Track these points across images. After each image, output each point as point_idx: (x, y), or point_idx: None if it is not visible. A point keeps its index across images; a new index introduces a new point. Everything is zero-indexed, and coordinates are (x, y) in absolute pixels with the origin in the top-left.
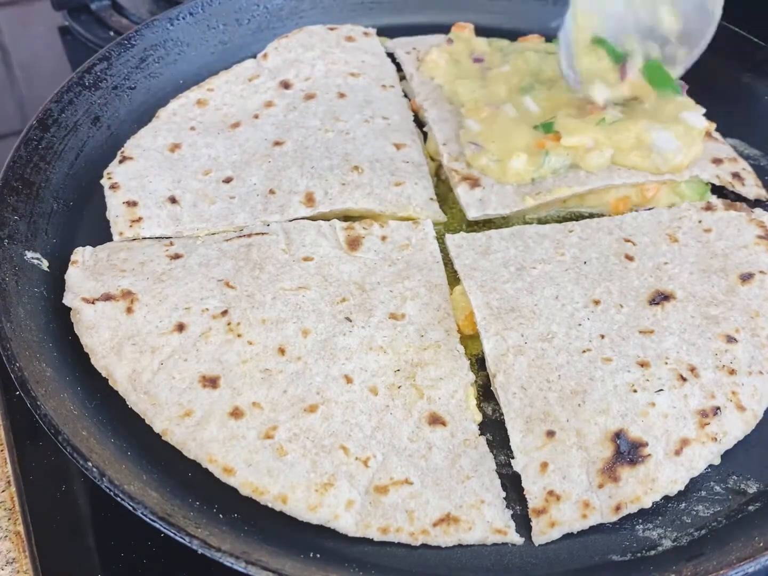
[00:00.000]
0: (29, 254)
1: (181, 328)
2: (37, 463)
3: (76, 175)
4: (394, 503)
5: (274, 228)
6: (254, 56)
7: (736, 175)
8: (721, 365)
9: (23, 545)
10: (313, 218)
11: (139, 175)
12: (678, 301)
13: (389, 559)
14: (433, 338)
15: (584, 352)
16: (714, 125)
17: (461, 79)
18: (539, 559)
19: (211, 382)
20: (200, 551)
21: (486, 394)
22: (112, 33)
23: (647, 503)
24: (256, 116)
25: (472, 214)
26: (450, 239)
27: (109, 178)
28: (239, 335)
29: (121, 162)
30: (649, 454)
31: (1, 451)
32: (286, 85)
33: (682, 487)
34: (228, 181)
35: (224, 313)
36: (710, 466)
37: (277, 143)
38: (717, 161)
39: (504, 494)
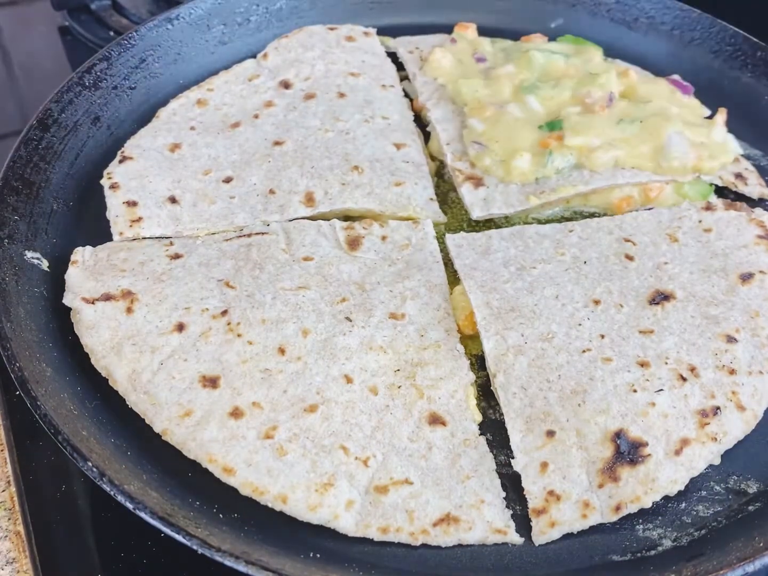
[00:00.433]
0: (29, 254)
1: (181, 328)
2: (37, 463)
3: (76, 175)
4: (394, 503)
5: (274, 228)
6: (254, 56)
7: (738, 176)
8: (721, 365)
9: (23, 545)
10: (313, 218)
11: (139, 175)
12: (678, 300)
13: (389, 559)
14: (433, 338)
15: (584, 352)
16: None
17: (464, 78)
18: (539, 559)
19: (211, 382)
20: (200, 551)
21: (486, 394)
22: (112, 33)
23: (647, 503)
24: (256, 116)
25: (477, 213)
26: (450, 239)
27: (109, 178)
28: (239, 335)
29: (121, 162)
30: (649, 454)
31: (1, 451)
32: (286, 84)
33: (682, 487)
34: (228, 180)
35: (224, 313)
36: (710, 466)
37: (277, 143)
38: None
39: (504, 494)
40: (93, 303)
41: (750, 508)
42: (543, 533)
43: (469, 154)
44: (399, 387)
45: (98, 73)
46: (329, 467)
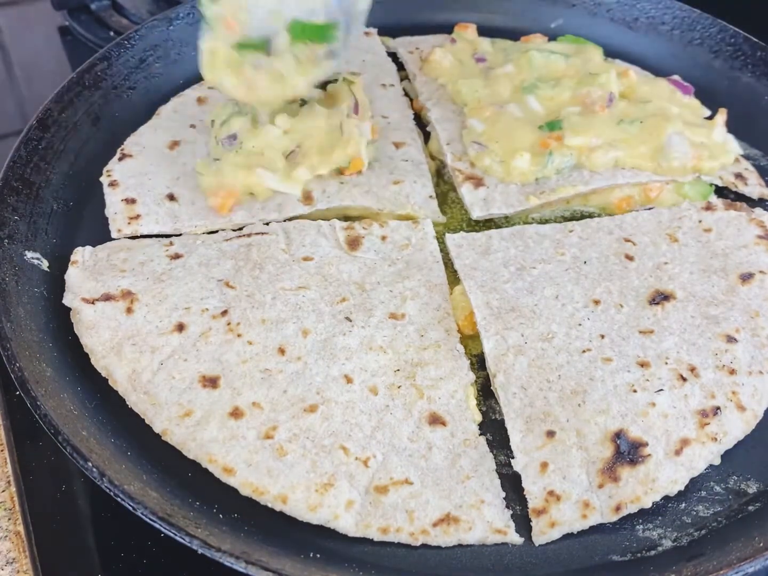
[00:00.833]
0: (29, 254)
1: (181, 328)
2: (37, 463)
3: (76, 175)
4: (394, 503)
5: (274, 228)
6: None
7: (738, 176)
8: (721, 365)
9: (23, 545)
10: (312, 218)
11: (138, 172)
12: (678, 301)
13: (389, 559)
14: (433, 338)
15: (584, 352)
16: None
17: (464, 78)
18: (539, 559)
19: (211, 382)
20: (200, 551)
21: (486, 394)
22: (112, 33)
23: (647, 503)
24: None
25: (477, 213)
26: (450, 239)
27: (109, 175)
28: (239, 335)
29: (120, 159)
30: (649, 454)
31: (1, 451)
32: None
33: (682, 487)
34: None
35: (224, 313)
36: (710, 466)
37: None
38: None
39: (504, 494)
40: (93, 303)
41: (750, 508)
42: (543, 533)
43: (469, 154)
44: (399, 387)
45: (98, 73)
46: (329, 467)
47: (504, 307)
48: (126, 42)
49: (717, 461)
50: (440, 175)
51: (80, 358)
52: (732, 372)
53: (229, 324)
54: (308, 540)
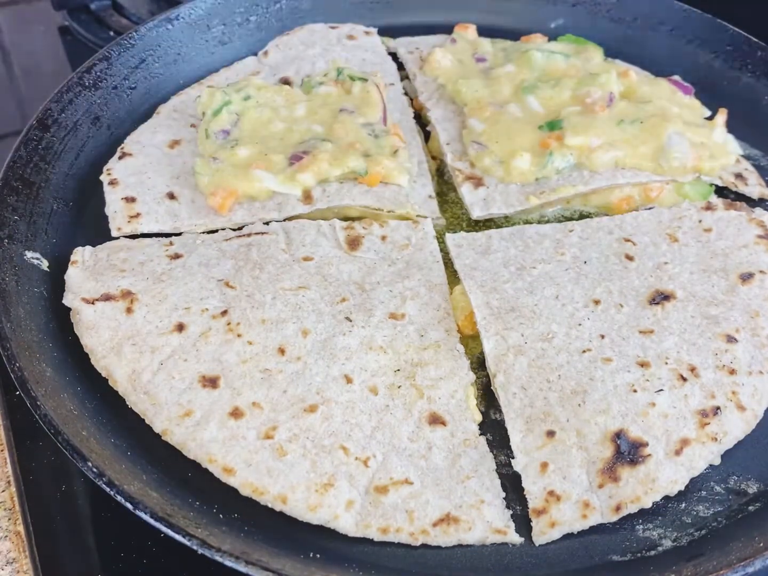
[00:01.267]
0: (29, 254)
1: (180, 328)
2: (37, 463)
3: (76, 175)
4: (394, 503)
5: (274, 228)
6: (255, 55)
7: (738, 176)
8: (721, 365)
9: (23, 545)
10: (312, 217)
11: (138, 171)
12: (678, 300)
13: (389, 559)
14: (433, 338)
15: (584, 352)
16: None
17: (464, 78)
18: (539, 559)
19: (211, 382)
20: (200, 551)
21: (486, 394)
22: (112, 33)
23: (647, 503)
24: None
25: (477, 213)
26: (450, 239)
27: (109, 174)
28: (239, 335)
29: (120, 158)
30: (650, 454)
31: (1, 451)
32: (286, 81)
33: (682, 487)
34: None
35: (224, 313)
36: (710, 466)
37: None
38: None
39: (504, 494)
40: (93, 303)
41: (750, 508)
42: (543, 533)
43: (469, 154)
44: (399, 387)
45: (98, 73)
46: (329, 467)
47: (504, 307)
48: (126, 42)
49: (717, 461)
50: (440, 175)
51: (80, 358)
52: (732, 372)
53: (229, 324)
54: (308, 540)
